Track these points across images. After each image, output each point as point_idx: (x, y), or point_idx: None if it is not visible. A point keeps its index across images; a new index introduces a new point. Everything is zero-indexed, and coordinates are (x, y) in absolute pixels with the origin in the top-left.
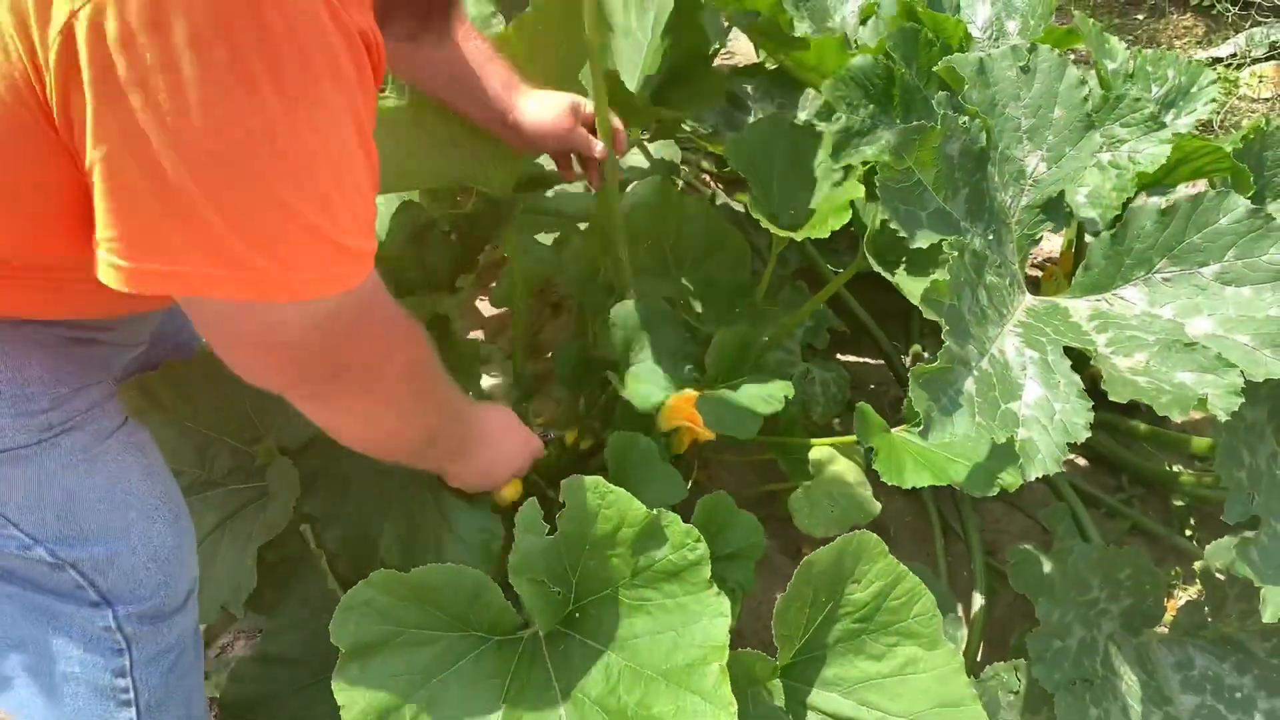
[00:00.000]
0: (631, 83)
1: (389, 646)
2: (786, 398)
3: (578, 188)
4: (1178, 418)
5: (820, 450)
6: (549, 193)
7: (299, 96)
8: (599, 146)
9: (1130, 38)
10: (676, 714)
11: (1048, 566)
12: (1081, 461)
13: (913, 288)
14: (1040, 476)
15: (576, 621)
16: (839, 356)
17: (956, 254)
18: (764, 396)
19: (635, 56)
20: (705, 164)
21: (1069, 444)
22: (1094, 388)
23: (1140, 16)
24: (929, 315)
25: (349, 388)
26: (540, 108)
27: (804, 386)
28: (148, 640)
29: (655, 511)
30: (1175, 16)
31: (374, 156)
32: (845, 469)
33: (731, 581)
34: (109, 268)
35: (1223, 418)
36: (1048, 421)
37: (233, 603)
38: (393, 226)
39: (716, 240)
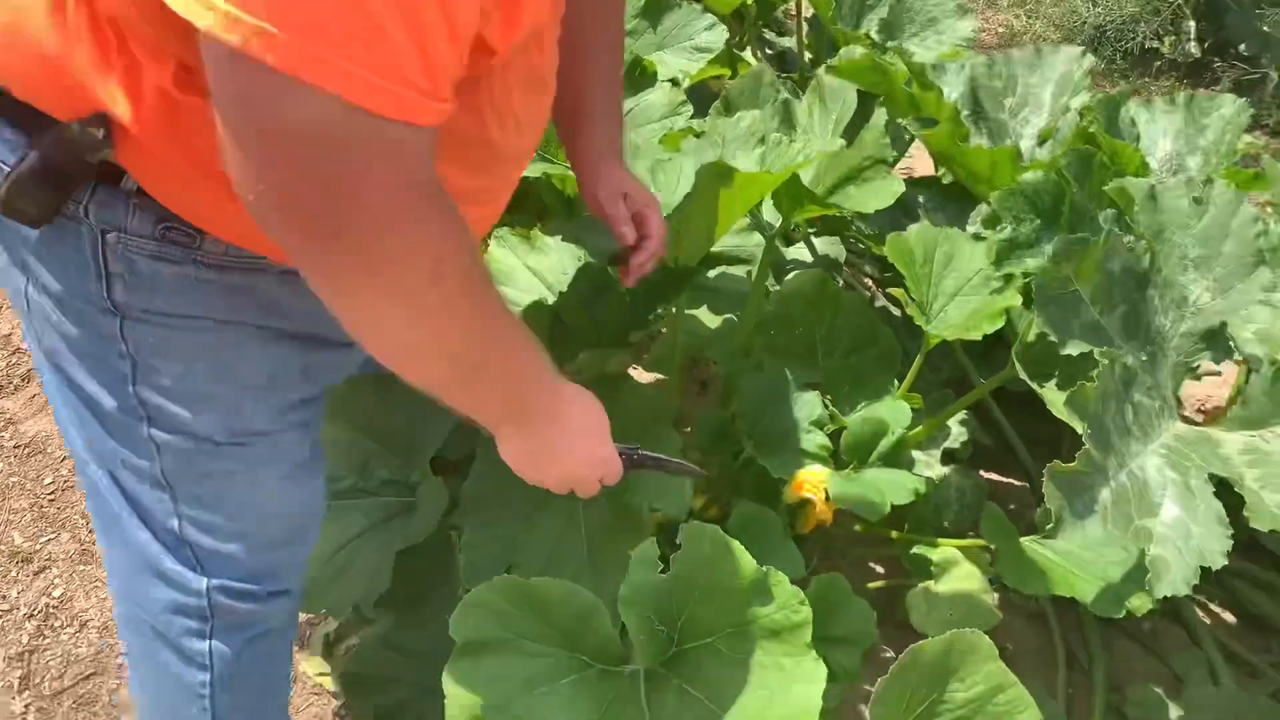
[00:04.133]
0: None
1: (500, 650)
2: (917, 491)
3: (739, 271)
4: None
5: (946, 551)
6: (711, 273)
7: None
8: (627, 236)
9: None
10: None
11: (1174, 714)
12: (1229, 618)
13: (1059, 402)
14: (1168, 596)
15: (677, 664)
16: (981, 473)
17: (1107, 363)
18: (894, 485)
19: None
20: (869, 269)
21: (1202, 568)
22: (1253, 543)
23: None
24: (1069, 420)
25: (350, 258)
26: (606, 177)
27: (939, 490)
28: (227, 614)
29: (766, 569)
30: None
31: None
32: (969, 574)
33: (835, 665)
34: None
35: None
36: (1182, 543)
37: (365, 602)
38: (574, 281)
39: (868, 337)
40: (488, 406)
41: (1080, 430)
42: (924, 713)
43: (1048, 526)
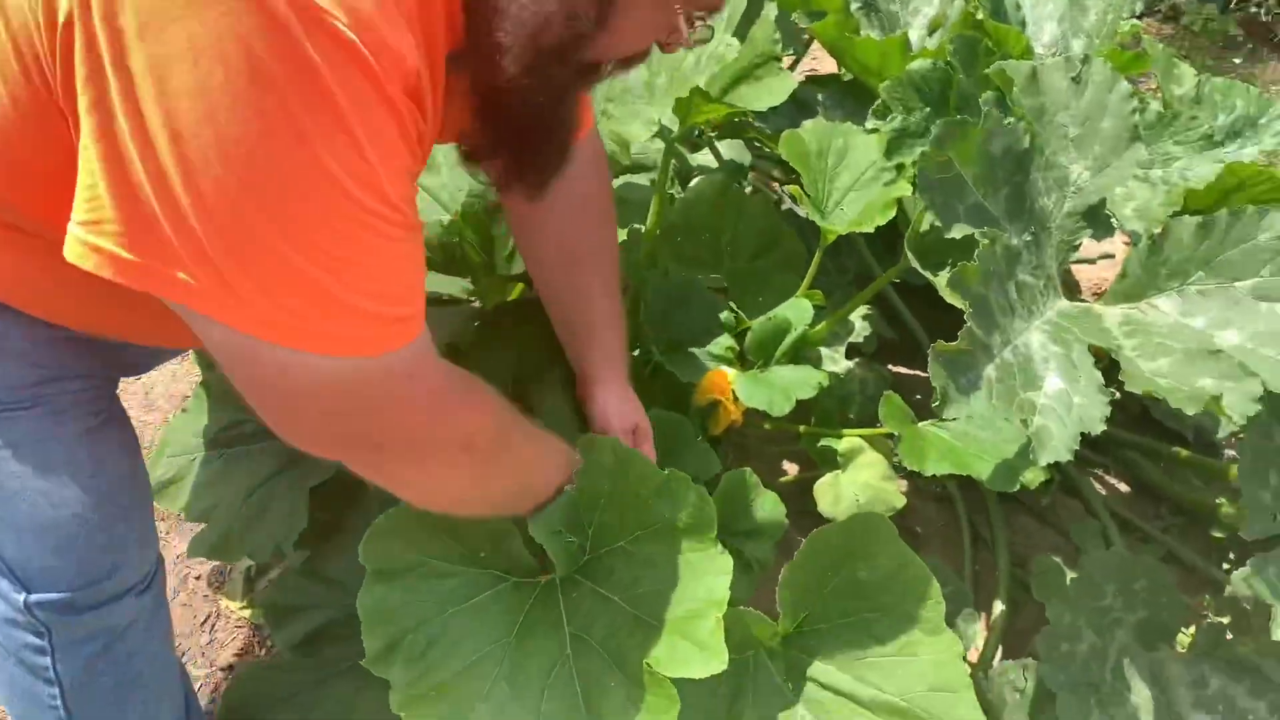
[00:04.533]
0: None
1: (413, 573)
2: (821, 385)
3: (643, 180)
4: (1190, 411)
5: (850, 441)
6: (615, 182)
7: (318, 158)
8: None
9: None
10: (670, 658)
11: (1071, 578)
12: (1123, 488)
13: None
14: (1058, 466)
15: (590, 570)
16: (889, 366)
17: (988, 243)
18: (798, 381)
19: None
20: (776, 172)
21: (1085, 435)
22: (1144, 415)
23: (1237, 60)
24: (953, 300)
25: (398, 460)
26: (613, 407)
27: (843, 383)
28: (62, 629)
29: (667, 472)
30: (1273, 64)
31: (406, 221)
32: (873, 461)
33: (749, 556)
34: (91, 250)
35: (1237, 419)
36: (1064, 412)
37: (285, 542)
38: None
39: (773, 239)
40: (534, 500)
41: (964, 309)
42: (830, 593)
43: (934, 404)
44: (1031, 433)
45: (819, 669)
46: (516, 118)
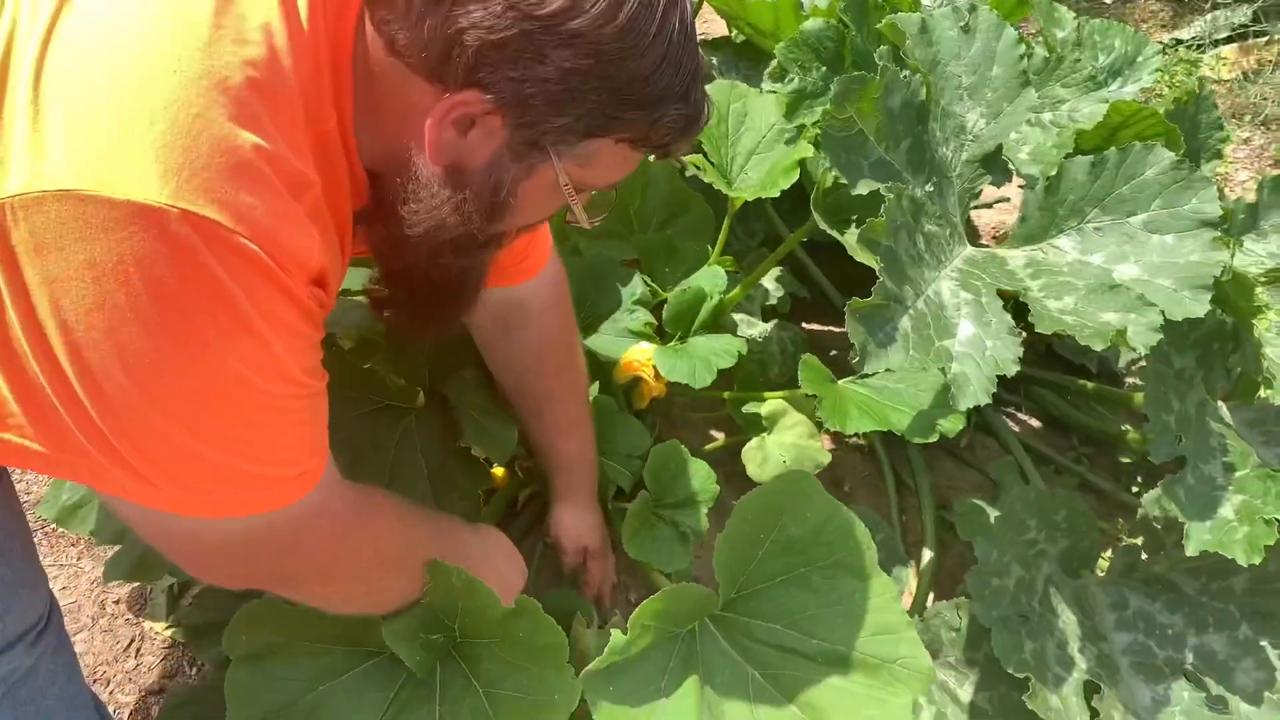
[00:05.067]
0: None
1: (281, 654)
2: (740, 353)
3: None
4: (1098, 347)
5: (772, 404)
6: None
7: (201, 348)
8: (591, 589)
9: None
10: None
11: (993, 516)
12: (1035, 423)
13: (854, 241)
14: (976, 409)
15: (463, 654)
16: (804, 325)
17: (894, 197)
18: (718, 350)
19: None
20: None
21: (999, 376)
22: (1050, 352)
23: (1108, 1)
24: (863, 257)
25: (309, 587)
26: (571, 525)
27: (762, 346)
28: None
29: (517, 603)
30: (1143, 1)
31: (303, 387)
32: (797, 421)
33: (684, 526)
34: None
35: (1141, 350)
36: (979, 357)
37: None
38: None
39: (681, 205)
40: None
41: (874, 265)
42: (765, 555)
43: (853, 361)
44: (950, 379)
45: (764, 630)
46: (421, 283)
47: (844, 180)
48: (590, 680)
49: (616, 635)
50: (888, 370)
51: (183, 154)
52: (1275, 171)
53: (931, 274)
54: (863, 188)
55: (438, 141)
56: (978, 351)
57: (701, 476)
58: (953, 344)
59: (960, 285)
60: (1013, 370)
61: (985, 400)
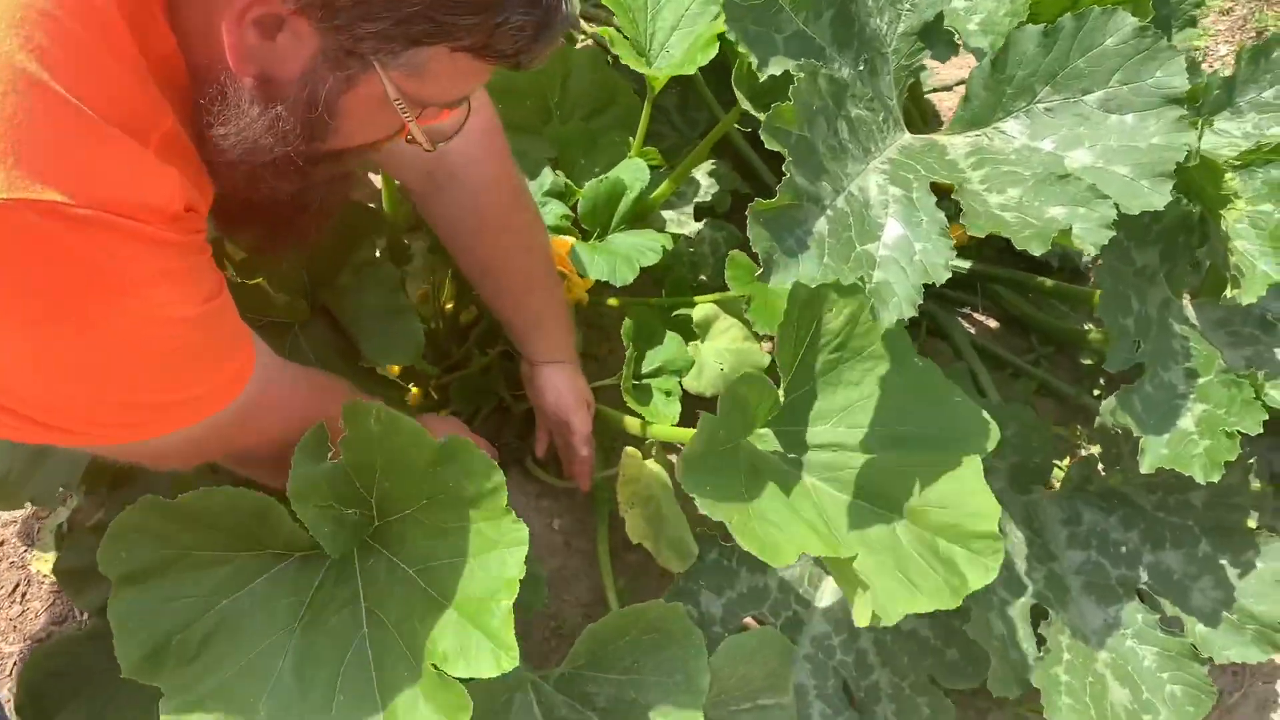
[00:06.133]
0: None
1: (171, 570)
2: (664, 249)
3: None
4: (1037, 251)
5: (703, 309)
6: None
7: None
8: (580, 454)
9: None
10: (460, 652)
11: None
12: (992, 323)
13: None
14: (895, 322)
15: (383, 537)
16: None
17: (806, 77)
18: (639, 246)
19: None
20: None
21: (927, 285)
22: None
23: None
24: (772, 146)
25: (265, 467)
26: (555, 388)
27: (694, 245)
28: None
29: (446, 439)
30: None
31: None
32: (730, 325)
33: (663, 388)
34: None
35: (1090, 251)
36: (906, 263)
37: (70, 484)
38: None
39: (607, 97)
40: None
41: (784, 154)
42: (809, 348)
43: (757, 274)
44: (870, 290)
45: (813, 433)
46: (259, 203)
47: (753, 57)
48: (690, 467)
49: (705, 416)
50: None
51: (2, 140)
52: (1257, 42)
53: (856, 166)
54: (775, 67)
55: (239, 46)
56: (905, 256)
57: (674, 347)
58: (876, 248)
59: (889, 179)
60: (942, 278)
61: (910, 313)
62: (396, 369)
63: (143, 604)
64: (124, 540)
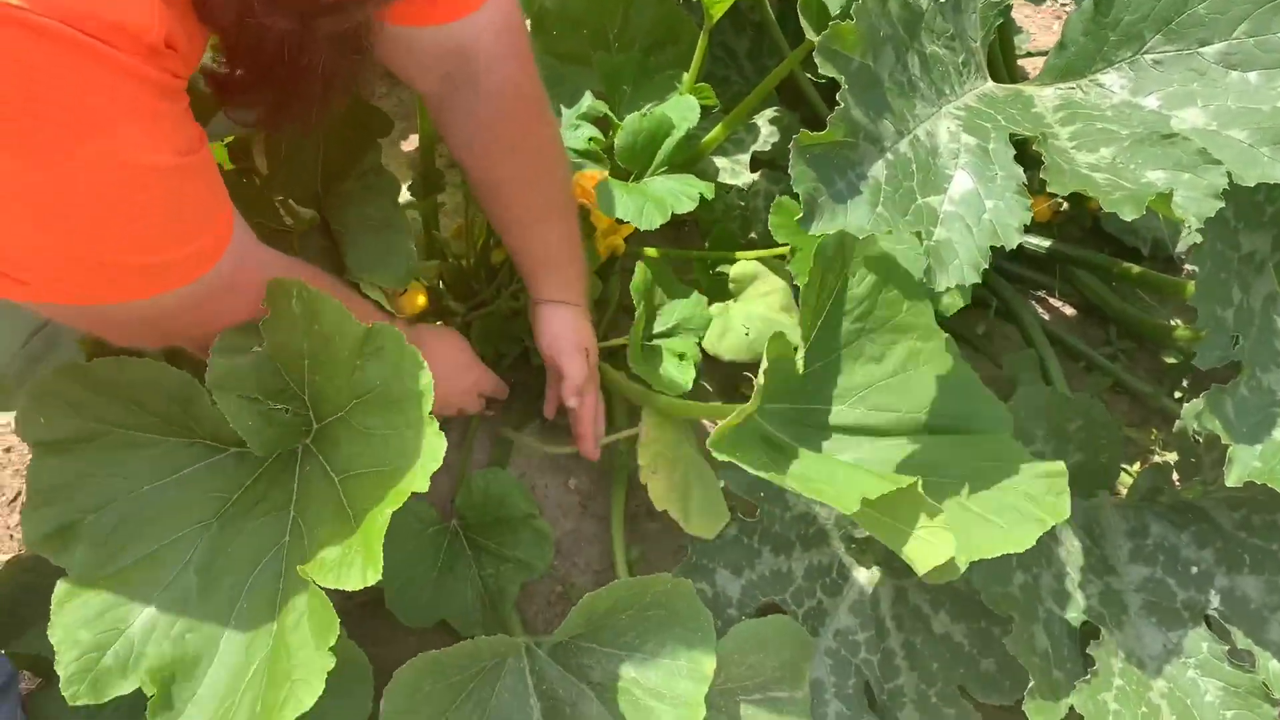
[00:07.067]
0: None
1: (94, 443)
2: (704, 196)
3: None
4: (1129, 215)
5: (744, 265)
6: None
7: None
8: (569, 405)
9: None
10: (338, 561)
11: None
12: (1069, 311)
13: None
14: (952, 287)
15: (322, 442)
16: None
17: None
18: (675, 191)
19: None
20: None
21: (995, 249)
22: (1096, 228)
23: None
24: (826, 71)
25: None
26: (552, 330)
27: (746, 198)
28: None
29: (371, 326)
30: None
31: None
32: (770, 290)
33: (679, 350)
34: None
35: (1193, 223)
36: (973, 221)
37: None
38: None
39: (670, 32)
40: None
41: (839, 80)
42: (832, 310)
43: (798, 218)
44: (927, 248)
45: (837, 413)
46: (267, 55)
47: None
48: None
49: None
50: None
51: None
52: None
53: (926, 109)
54: None
55: None
56: (972, 214)
57: (690, 305)
58: (941, 202)
59: (964, 127)
60: (1014, 241)
61: (973, 278)
62: (419, 304)
63: (63, 473)
64: (42, 405)
